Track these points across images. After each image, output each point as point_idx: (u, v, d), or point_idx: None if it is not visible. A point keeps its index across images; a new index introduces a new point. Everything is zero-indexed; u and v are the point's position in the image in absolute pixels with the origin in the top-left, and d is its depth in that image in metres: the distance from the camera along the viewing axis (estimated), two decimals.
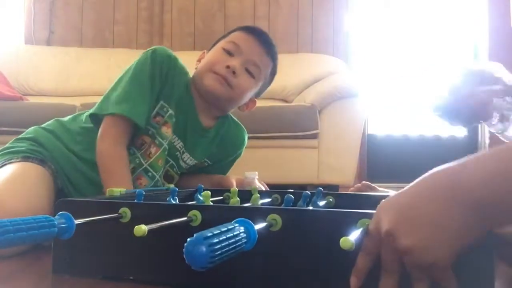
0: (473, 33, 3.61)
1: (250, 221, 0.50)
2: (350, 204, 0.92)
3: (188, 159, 1.23)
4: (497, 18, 3.48)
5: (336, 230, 0.55)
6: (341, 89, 2.49)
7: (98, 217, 0.62)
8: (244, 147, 1.36)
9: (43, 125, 1.20)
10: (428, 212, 0.48)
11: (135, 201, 0.75)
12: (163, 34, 3.27)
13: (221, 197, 0.98)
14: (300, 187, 2.43)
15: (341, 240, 0.47)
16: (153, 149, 1.14)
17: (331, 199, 0.95)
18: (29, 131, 1.18)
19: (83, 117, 1.21)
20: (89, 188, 1.13)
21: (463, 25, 3.64)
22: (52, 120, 1.22)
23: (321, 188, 0.92)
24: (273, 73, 1.26)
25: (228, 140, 1.30)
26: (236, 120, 1.34)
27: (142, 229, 0.50)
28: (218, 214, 0.63)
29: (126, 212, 0.65)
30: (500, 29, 3.48)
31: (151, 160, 1.14)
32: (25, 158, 1.07)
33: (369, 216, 0.56)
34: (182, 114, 1.18)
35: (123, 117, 1.07)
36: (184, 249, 0.40)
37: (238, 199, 0.90)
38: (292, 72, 2.96)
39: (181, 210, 0.63)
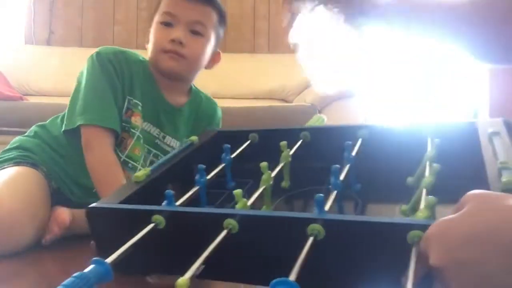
0: None
1: (291, 281, 0.43)
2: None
3: (172, 142, 1.21)
4: None
5: (383, 243, 0.51)
6: (341, 89, 2.49)
7: (135, 238, 0.58)
8: (219, 119, 1.33)
9: (25, 134, 1.19)
10: (493, 276, 0.39)
11: (165, 202, 0.69)
12: None
13: (243, 146, 0.91)
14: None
15: None
16: (128, 141, 1.13)
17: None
18: (14, 141, 1.17)
19: (59, 120, 1.19)
20: (76, 190, 1.13)
21: None
22: (33, 127, 1.21)
23: (349, 142, 0.80)
24: (222, 15, 1.20)
25: (203, 114, 1.28)
26: (207, 94, 1.32)
27: (184, 282, 0.46)
28: (255, 222, 0.59)
29: (159, 219, 0.62)
30: None
31: (127, 151, 1.12)
32: (17, 163, 1.07)
33: (420, 227, 0.48)
34: (149, 100, 1.17)
35: (96, 125, 1.07)
36: None
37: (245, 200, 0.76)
38: (292, 72, 2.95)
39: (216, 218, 0.59)
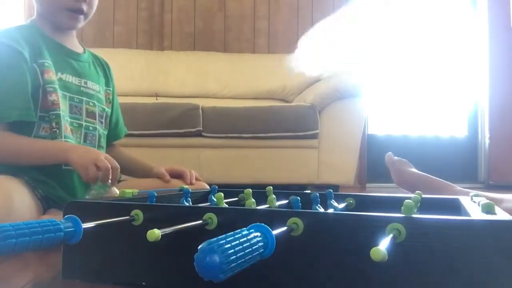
0: (473, 33, 3.61)
1: (267, 226, 0.45)
2: (373, 206, 0.87)
3: (93, 86, 1.23)
4: (497, 18, 3.48)
5: (362, 236, 0.53)
6: (341, 89, 2.49)
7: (108, 220, 0.59)
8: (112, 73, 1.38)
9: None
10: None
11: (147, 203, 0.72)
12: (163, 34, 3.27)
13: (236, 199, 0.94)
14: (300, 187, 2.43)
15: (372, 251, 0.42)
16: (54, 97, 1.11)
17: (351, 201, 0.90)
18: None
19: None
20: (62, 193, 1.10)
21: (463, 24, 3.63)
22: None
23: (331, 190, 0.87)
24: None
25: (101, 63, 1.33)
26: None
27: (155, 233, 0.47)
28: (235, 217, 0.60)
29: (138, 214, 0.62)
30: (500, 29, 3.47)
31: (56, 106, 1.11)
32: None
33: (398, 220, 0.52)
34: (56, 55, 1.16)
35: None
36: (194, 258, 0.35)
37: (254, 200, 0.85)
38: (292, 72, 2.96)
39: (196, 212, 0.60)
